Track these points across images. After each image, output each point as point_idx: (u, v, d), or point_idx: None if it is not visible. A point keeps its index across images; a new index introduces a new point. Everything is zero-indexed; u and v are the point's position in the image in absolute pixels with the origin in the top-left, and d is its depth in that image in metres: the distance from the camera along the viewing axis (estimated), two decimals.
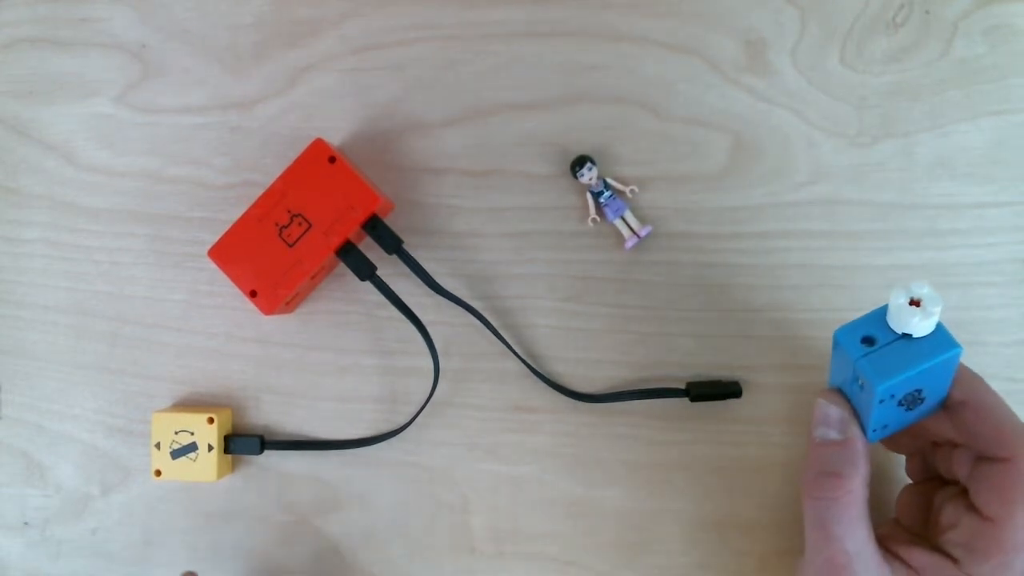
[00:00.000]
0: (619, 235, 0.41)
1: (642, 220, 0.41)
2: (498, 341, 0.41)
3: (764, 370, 0.41)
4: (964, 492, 0.34)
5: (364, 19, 0.43)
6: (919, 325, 0.30)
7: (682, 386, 0.41)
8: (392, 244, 0.40)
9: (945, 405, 0.34)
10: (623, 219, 0.41)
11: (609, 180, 0.41)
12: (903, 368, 0.30)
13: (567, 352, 0.42)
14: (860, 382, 0.31)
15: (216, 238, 0.40)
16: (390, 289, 0.40)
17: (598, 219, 0.41)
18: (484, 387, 0.42)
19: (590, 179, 0.41)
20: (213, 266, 0.40)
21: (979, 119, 0.40)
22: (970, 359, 0.35)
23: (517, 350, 0.41)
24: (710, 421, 0.41)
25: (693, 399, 0.40)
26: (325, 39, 0.43)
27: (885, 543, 0.33)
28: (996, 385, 0.34)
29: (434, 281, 0.41)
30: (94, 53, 0.44)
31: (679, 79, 0.42)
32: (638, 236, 0.41)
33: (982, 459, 0.33)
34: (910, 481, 0.39)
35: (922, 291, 0.30)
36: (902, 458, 0.39)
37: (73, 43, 0.44)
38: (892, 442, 0.38)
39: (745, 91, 0.41)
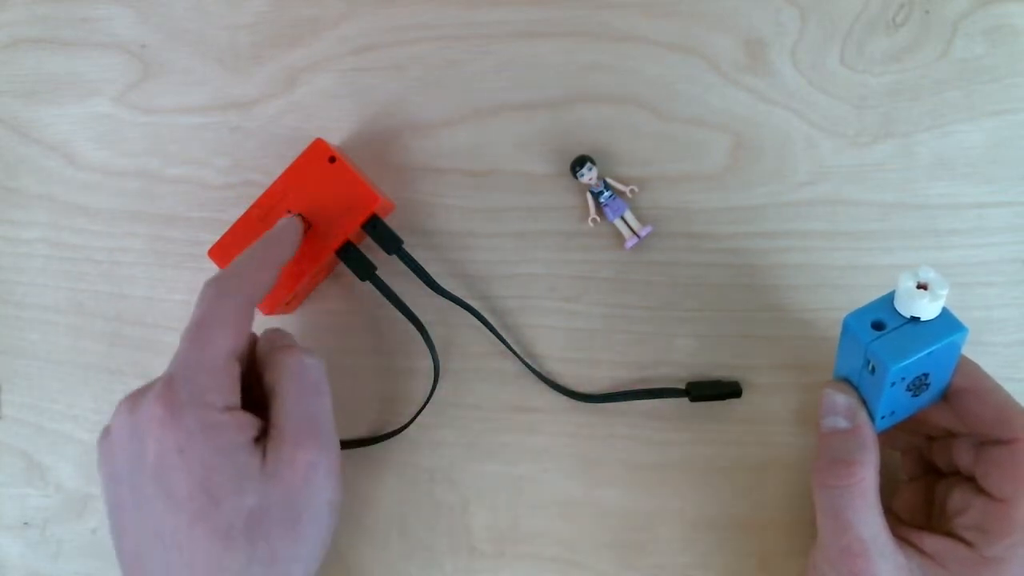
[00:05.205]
0: (619, 235, 0.41)
1: (642, 220, 0.41)
2: (498, 341, 0.41)
3: (764, 370, 0.41)
4: (968, 479, 0.34)
5: (364, 19, 0.43)
6: (927, 308, 0.31)
7: (682, 386, 0.41)
8: (392, 244, 0.40)
9: (946, 395, 0.34)
10: (623, 219, 0.41)
11: (609, 180, 0.41)
12: (915, 349, 0.31)
13: (567, 352, 0.42)
14: (871, 366, 0.32)
15: (216, 238, 0.40)
16: (390, 289, 0.40)
17: (598, 219, 0.41)
18: (484, 387, 0.42)
19: (590, 179, 0.41)
20: (213, 266, 0.40)
21: (979, 119, 0.40)
22: (976, 362, 0.35)
23: (517, 350, 0.41)
24: (710, 421, 0.41)
25: (693, 399, 0.40)
26: (325, 39, 0.43)
27: (894, 531, 0.33)
28: None
29: (434, 281, 0.41)
30: (94, 53, 0.44)
31: (679, 79, 0.42)
32: (638, 236, 0.41)
33: (986, 444, 0.33)
34: (899, 485, 0.39)
35: (929, 275, 0.31)
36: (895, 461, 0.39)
37: (73, 43, 0.44)
38: (889, 438, 0.38)
39: (745, 91, 0.41)
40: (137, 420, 0.32)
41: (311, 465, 0.33)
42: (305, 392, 0.35)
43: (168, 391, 0.32)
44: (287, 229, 0.37)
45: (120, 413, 0.33)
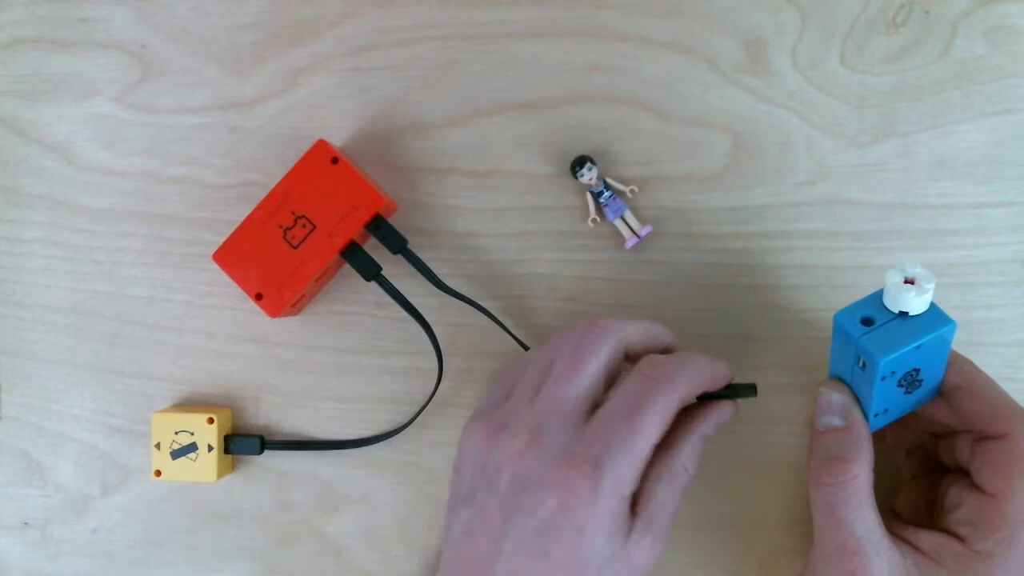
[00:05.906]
0: (619, 235, 0.41)
1: (642, 220, 0.41)
2: (499, 340, 0.41)
3: (764, 370, 0.41)
4: (967, 475, 0.34)
5: (364, 19, 0.43)
6: (915, 302, 0.31)
7: None
8: (397, 244, 0.40)
9: (941, 391, 0.35)
10: (623, 219, 0.41)
11: (609, 180, 0.41)
12: (903, 343, 0.31)
13: None
14: (861, 362, 0.32)
15: (216, 238, 0.40)
16: (396, 289, 0.40)
17: (598, 219, 0.41)
18: (485, 387, 0.42)
19: (590, 179, 0.41)
20: (213, 266, 0.40)
21: (979, 119, 0.40)
22: (970, 359, 0.35)
23: (522, 348, 0.41)
24: None
25: (700, 398, 0.40)
26: (325, 39, 0.43)
27: (890, 529, 0.34)
28: None
29: (440, 280, 0.41)
30: (94, 53, 0.44)
31: (679, 79, 0.42)
32: (638, 236, 0.41)
33: (981, 439, 0.34)
34: (902, 483, 0.39)
35: (916, 270, 0.31)
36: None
37: (73, 43, 0.44)
38: (895, 438, 0.38)
39: (745, 91, 0.41)
40: (546, 471, 0.32)
41: (655, 558, 0.33)
42: (677, 493, 0.34)
43: (596, 473, 0.31)
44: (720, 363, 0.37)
45: (529, 436, 0.32)
